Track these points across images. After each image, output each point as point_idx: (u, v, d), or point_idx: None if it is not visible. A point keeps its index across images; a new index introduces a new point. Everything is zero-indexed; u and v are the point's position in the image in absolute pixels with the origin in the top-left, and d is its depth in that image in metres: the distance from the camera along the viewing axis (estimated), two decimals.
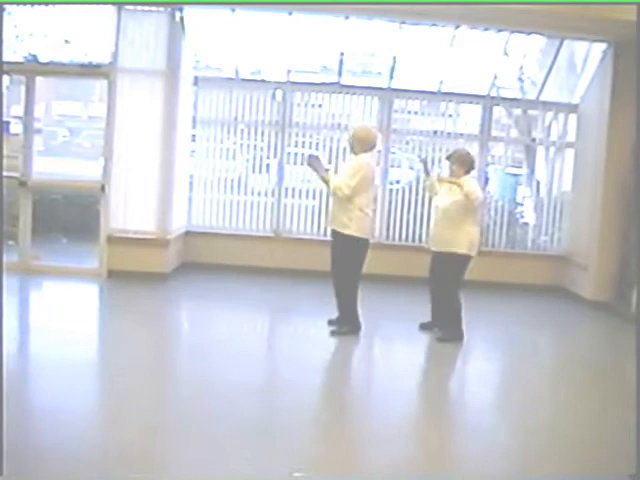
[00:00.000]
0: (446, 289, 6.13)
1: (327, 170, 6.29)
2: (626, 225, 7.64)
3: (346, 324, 6.16)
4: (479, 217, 6.29)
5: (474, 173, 6.37)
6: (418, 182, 8.72)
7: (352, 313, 6.14)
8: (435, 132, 8.74)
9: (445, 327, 6.23)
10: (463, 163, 6.10)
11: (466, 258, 6.07)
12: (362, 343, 6.16)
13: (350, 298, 6.13)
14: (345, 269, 6.08)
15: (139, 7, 7.40)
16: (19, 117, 7.67)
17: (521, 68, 9.14)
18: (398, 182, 8.88)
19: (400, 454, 3.92)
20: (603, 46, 7.95)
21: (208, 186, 8.68)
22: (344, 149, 8.71)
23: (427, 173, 6.60)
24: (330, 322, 6.31)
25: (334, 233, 6.13)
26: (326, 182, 6.12)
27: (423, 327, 6.40)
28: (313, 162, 6.17)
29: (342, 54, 8.39)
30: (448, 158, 6.26)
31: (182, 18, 7.59)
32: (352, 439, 4.12)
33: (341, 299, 6.17)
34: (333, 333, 6.16)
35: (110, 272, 7.52)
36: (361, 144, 6.02)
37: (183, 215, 8.42)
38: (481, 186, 6.34)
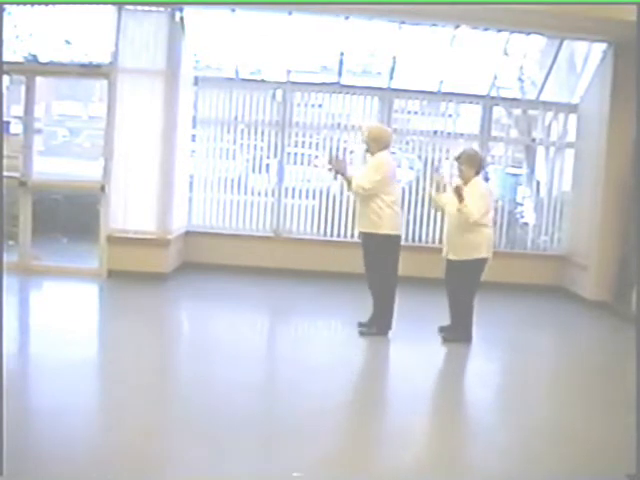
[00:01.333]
0: (466, 293, 6.10)
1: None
2: (626, 225, 7.64)
3: (377, 325, 6.15)
4: (492, 216, 6.19)
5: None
6: (418, 182, 8.72)
7: (389, 314, 6.12)
8: (435, 132, 8.74)
9: (454, 328, 6.22)
10: (472, 164, 6.02)
11: (484, 261, 6.04)
12: (362, 343, 6.16)
13: (390, 298, 6.12)
14: (383, 269, 6.08)
15: (139, 7, 7.40)
16: (19, 117, 7.67)
17: (521, 68, 9.15)
18: (398, 182, 8.86)
19: (402, 454, 3.93)
20: (603, 46, 7.95)
21: (208, 186, 8.68)
22: (344, 149, 8.74)
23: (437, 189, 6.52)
24: (360, 324, 6.29)
25: (366, 235, 6.12)
26: (349, 183, 6.08)
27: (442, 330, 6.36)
28: (337, 164, 6.19)
29: (342, 54, 8.39)
30: (457, 159, 6.18)
31: (182, 18, 7.59)
32: (355, 440, 4.13)
33: (379, 300, 6.13)
34: (362, 334, 6.16)
35: (110, 272, 7.52)
36: (376, 143, 6.05)
37: (183, 215, 8.42)
38: (487, 191, 6.16)
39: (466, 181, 6.01)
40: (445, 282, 6.23)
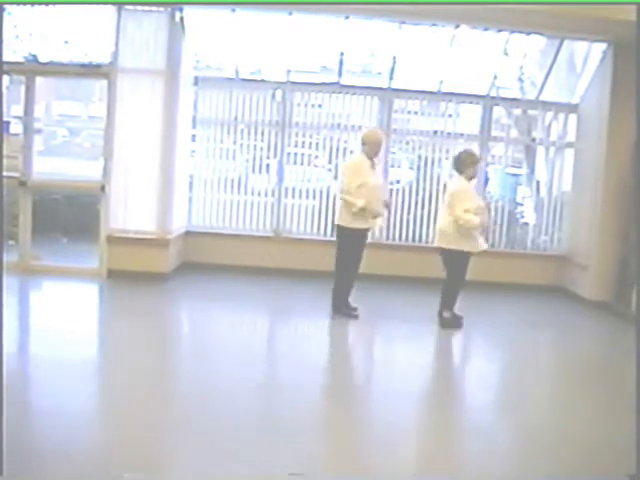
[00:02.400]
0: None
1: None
2: (626, 225, 7.64)
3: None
4: (451, 209, 6.42)
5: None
6: (418, 182, 8.72)
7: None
8: (435, 132, 8.74)
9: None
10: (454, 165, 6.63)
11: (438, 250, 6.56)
12: (361, 343, 6.17)
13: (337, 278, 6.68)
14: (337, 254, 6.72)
15: (139, 7, 7.40)
16: (19, 117, 7.67)
17: (521, 68, 9.14)
18: (398, 182, 8.87)
19: (400, 453, 3.92)
20: (603, 46, 7.95)
21: (208, 186, 8.68)
22: (344, 149, 8.74)
23: None
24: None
25: None
26: None
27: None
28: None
29: (342, 54, 8.39)
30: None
31: (182, 18, 7.59)
32: (354, 438, 4.13)
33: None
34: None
35: (110, 272, 7.52)
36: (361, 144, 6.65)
37: (183, 215, 8.42)
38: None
39: None
40: None
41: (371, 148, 6.52)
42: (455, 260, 6.38)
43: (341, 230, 6.60)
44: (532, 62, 9.31)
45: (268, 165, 8.79)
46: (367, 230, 6.67)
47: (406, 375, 5.40)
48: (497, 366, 6.10)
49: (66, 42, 8.34)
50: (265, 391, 4.90)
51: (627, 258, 7.60)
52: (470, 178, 6.48)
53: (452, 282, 6.45)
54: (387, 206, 7.04)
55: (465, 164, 6.43)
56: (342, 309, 6.58)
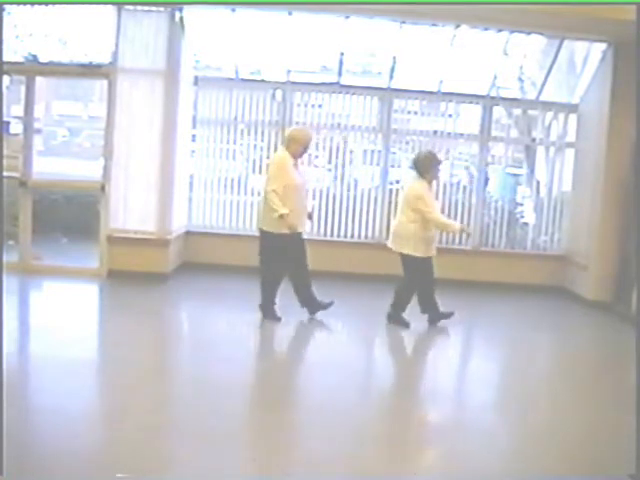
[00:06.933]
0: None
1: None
2: (626, 225, 7.64)
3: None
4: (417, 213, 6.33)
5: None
6: None
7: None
8: (435, 132, 8.74)
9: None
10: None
11: None
12: (359, 343, 6.16)
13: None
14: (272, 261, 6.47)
15: (139, 7, 7.40)
16: (19, 117, 7.68)
17: (521, 68, 9.15)
18: (398, 182, 8.87)
19: (400, 452, 3.92)
20: (603, 46, 7.95)
21: (208, 186, 8.68)
22: (344, 149, 8.75)
23: None
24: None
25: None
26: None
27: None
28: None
29: (342, 54, 8.39)
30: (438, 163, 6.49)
31: (182, 18, 7.59)
32: (347, 437, 4.13)
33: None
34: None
35: (110, 272, 7.53)
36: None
37: (183, 215, 8.42)
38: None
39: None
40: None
41: (297, 148, 6.24)
42: (411, 265, 6.32)
43: (266, 235, 6.24)
44: (532, 62, 9.32)
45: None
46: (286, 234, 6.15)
47: (406, 375, 5.39)
48: (496, 366, 6.10)
49: (64, 43, 8.33)
50: (265, 391, 4.90)
51: (627, 258, 7.60)
52: (431, 181, 6.39)
53: (406, 286, 6.44)
54: (310, 218, 6.60)
55: (426, 166, 6.30)
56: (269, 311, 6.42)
